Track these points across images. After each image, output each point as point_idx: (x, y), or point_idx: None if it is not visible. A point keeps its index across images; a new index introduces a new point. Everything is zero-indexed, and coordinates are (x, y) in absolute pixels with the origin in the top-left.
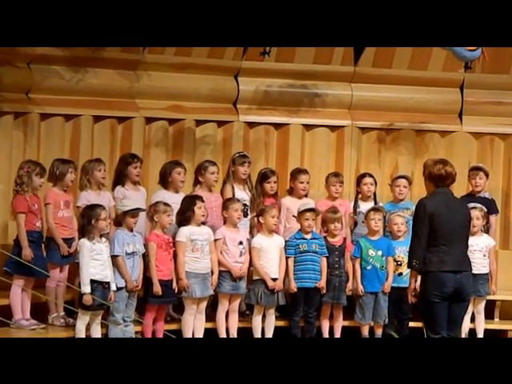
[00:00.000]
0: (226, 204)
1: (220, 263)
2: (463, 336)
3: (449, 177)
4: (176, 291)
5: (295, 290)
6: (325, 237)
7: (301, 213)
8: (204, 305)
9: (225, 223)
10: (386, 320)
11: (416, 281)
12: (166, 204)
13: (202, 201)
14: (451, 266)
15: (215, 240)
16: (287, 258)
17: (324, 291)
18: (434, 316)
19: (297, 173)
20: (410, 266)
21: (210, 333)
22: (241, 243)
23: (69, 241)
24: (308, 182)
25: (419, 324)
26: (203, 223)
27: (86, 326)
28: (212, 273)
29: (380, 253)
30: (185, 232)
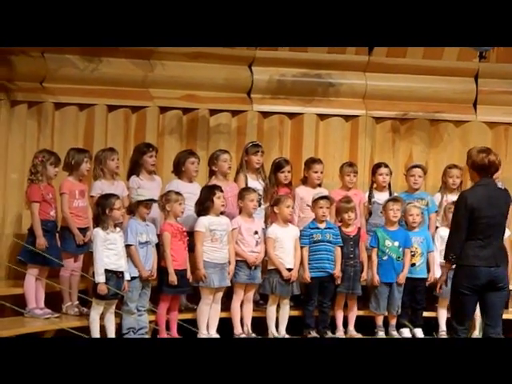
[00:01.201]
0: (242, 194)
1: (236, 253)
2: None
3: (492, 166)
4: (191, 280)
5: (309, 279)
6: (339, 227)
7: (315, 201)
8: (220, 295)
9: (240, 213)
10: (399, 311)
11: (447, 273)
12: (177, 193)
13: (221, 191)
14: (485, 261)
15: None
16: (301, 248)
17: (339, 281)
18: (462, 307)
19: (311, 162)
20: (446, 259)
21: (225, 322)
22: (256, 233)
23: (84, 230)
24: (322, 172)
25: (433, 314)
26: (221, 213)
27: (100, 316)
28: (229, 263)
29: (397, 243)
30: (204, 222)
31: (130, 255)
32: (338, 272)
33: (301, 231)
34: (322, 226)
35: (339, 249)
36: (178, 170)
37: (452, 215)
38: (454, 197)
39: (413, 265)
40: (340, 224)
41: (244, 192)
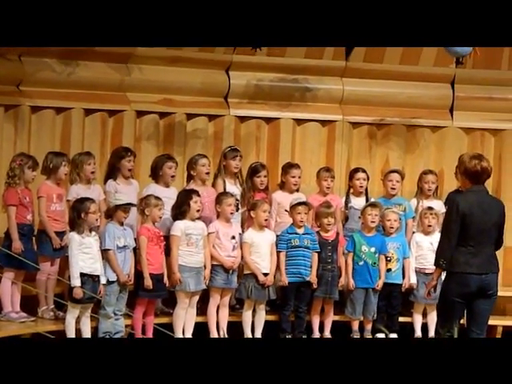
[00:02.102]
0: (220, 198)
1: (212, 257)
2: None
3: (484, 173)
4: (168, 285)
5: (287, 283)
6: (318, 232)
7: (293, 207)
8: (196, 299)
9: (218, 217)
10: (375, 315)
11: (438, 278)
12: (157, 198)
13: (198, 195)
14: (477, 268)
15: (208, 234)
16: (279, 253)
17: (315, 286)
18: (450, 314)
19: (288, 167)
20: (437, 265)
21: (201, 327)
22: (233, 238)
23: (61, 234)
24: (299, 177)
25: (408, 319)
26: (198, 218)
27: (76, 319)
28: (205, 267)
29: (373, 249)
30: (180, 226)
31: (107, 260)
32: (313, 278)
33: (279, 236)
34: (300, 231)
35: (316, 254)
36: (156, 174)
37: (443, 220)
38: (429, 202)
39: (389, 270)
40: (318, 229)
41: (222, 196)
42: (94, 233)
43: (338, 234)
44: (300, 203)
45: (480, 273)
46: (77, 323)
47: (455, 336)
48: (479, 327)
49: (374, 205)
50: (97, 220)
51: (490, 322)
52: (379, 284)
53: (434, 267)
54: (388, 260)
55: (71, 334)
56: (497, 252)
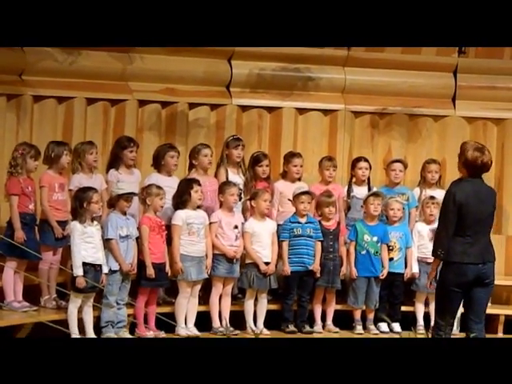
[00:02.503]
0: (223, 188)
1: (215, 246)
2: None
3: (484, 167)
4: (170, 274)
5: (289, 273)
6: (319, 221)
7: (296, 196)
8: (198, 288)
9: (220, 207)
10: (377, 305)
11: (437, 269)
12: (158, 187)
13: (199, 184)
14: (474, 258)
15: (210, 223)
16: (282, 242)
17: (318, 275)
18: (447, 304)
19: (290, 156)
20: (434, 255)
21: (203, 316)
22: (236, 227)
23: (63, 223)
24: (301, 166)
25: (411, 308)
26: (199, 207)
27: (78, 309)
28: (207, 256)
29: (375, 239)
30: (181, 215)
31: (110, 249)
32: (316, 266)
33: (281, 225)
34: (303, 220)
35: (319, 243)
36: (158, 163)
37: (440, 211)
38: (432, 191)
39: (391, 259)
40: (320, 218)
41: (225, 186)
42: (95, 222)
43: (339, 223)
44: (303, 192)
45: (477, 262)
46: (79, 313)
47: (455, 325)
48: (477, 315)
49: (376, 194)
50: (99, 209)
51: (493, 312)
52: (384, 273)
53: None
54: (390, 249)
55: (74, 323)
56: (499, 241)
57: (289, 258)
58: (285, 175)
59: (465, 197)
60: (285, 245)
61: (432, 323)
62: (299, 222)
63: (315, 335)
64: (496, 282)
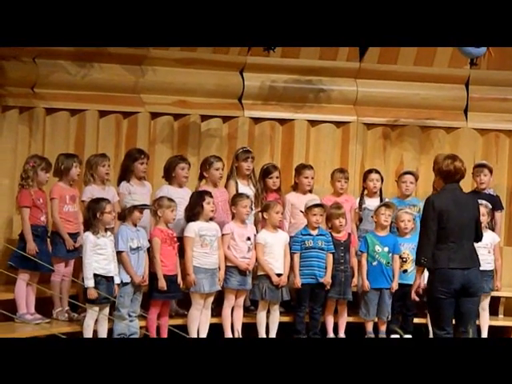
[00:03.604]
0: (235, 200)
1: (227, 258)
2: (482, 333)
3: (458, 172)
4: (182, 286)
5: (299, 285)
6: (330, 232)
7: (309, 208)
8: (211, 300)
9: (233, 218)
10: (390, 317)
11: (421, 277)
12: (170, 199)
13: (211, 196)
14: (459, 263)
15: (223, 235)
16: (293, 254)
17: (328, 287)
18: (440, 312)
19: (301, 168)
20: (418, 263)
21: (215, 328)
22: (248, 239)
23: (74, 235)
24: (313, 178)
25: (423, 320)
26: (211, 219)
27: None
28: (219, 268)
29: (386, 249)
30: (193, 227)
31: (121, 261)
32: (328, 279)
33: (292, 237)
34: (314, 232)
35: (331, 255)
36: (169, 175)
37: (420, 220)
38: None
39: (404, 271)
40: (330, 230)
41: (237, 198)
42: (109, 233)
43: (349, 234)
44: (316, 205)
45: (462, 267)
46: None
47: (470, 335)
48: (465, 326)
49: (387, 205)
50: (112, 220)
51: (504, 324)
52: (393, 287)
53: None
54: (403, 261)
55: (89, 336)
56: (510, 253)
57: (300, 270)
58: (296, 187)
59: (444, 204)
60: (296, 257)
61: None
62: (310, 235)
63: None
64: (508, 295)
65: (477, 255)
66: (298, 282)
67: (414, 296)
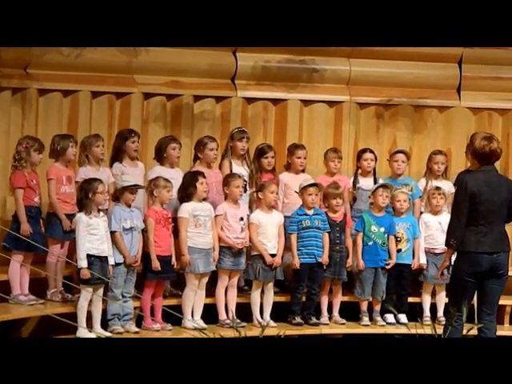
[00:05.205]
0: (228, 180)
1: (220, 239)
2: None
3: (493, 155)
4: (177, 266)
5: (298, 266)
6: (326, 212)
7: (304, 188)
8: (205, 280)
9: (225, 199)
10: (384, 296)
11: (450, 258)
12: (166, 179)
13: (204, 177)
14: (488, 247)
15: (216, 216)
16: (290, 235)
17: (325, 267)
18: (462, 294)
19: (294, 148)
20: (447, 244)
21: (209, 309)
22: (241, 219)
23: (71, 216)
24: (305, 158)
25: (417, 299)
26: (204, 199)
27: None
28: (213, 249)
29: (382, 229)
30: (187, 208)
31: (114, 241)
32: (325, 258)
33: (289, 217)
34: (310, 212)
35: (327, 235)
36: (160, 155)
37: (452, 201)
38: (438, 183)
39: (399, 250)
40: (326, 210)
41: (229, 178)
42: (102, 213)
43: (345, 214)
44: (311, 184)
45: (491, 252)
46: (88, 305)
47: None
48: (490, 307)
49: (385, 186)
50: (105, 200)
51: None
52: (390, 263)
53: (446, 247)
54: (398, 240)
55: (82, 316)
56: (508, 232)
57: (299, 250)
58: (289, 167)
59: (477, 186)
60: (293, 237)
61: (438, 314)
62: (307, 214)
63: (322, 328)
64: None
65: (507, 238)
66: (297, 262)
67: (440, 276)
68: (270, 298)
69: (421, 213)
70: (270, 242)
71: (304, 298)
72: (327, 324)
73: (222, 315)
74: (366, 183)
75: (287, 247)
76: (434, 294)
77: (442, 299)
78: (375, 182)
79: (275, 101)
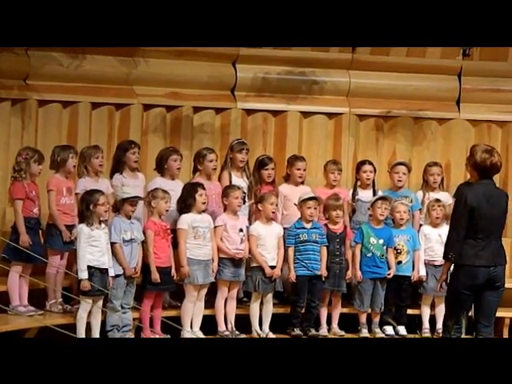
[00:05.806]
0: (227, 191)
1: (220, 250)
2: None
3: (494, 168)
4: (176, 278)
5: (294, 279)
6: (326, 224)
7: (303, 201)
8: (204, 292)
9: (225, 210)
10: (382, 308)
11: (448, 271)
12: (164, 191)
13: (203, 188)
14: (485, 260)
15: (215, 227)
16: (287, 248)
17: (324, 279)
18: (459, 306)
19: (293, 159)
20: (445, 257)
21: (209, 320)
22: (241, 230)
23: (70, 228)
24: (305, 169)
25: (417, 311)
26: (203, 211)
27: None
28: (213, 260)
29: (381, 241)
30: (186, 219)
31: (114, 253)
32: (323, 271)
33: (286, 229)
34: (308, 225)
35: (325, 248)
36: (161, 167)
37: (451, 213)
38: (435, 194)
39: (399, 262)
40: (327, 221)
41: (229, 190)
42: (103, 225)
43: (345, 226)
44: (310, 198)
45: (488, 265)
46: (87, 317)
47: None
48: (487, 319)
49: (384, 198)
50: (106, 212)
51: (497, 314)
52: (390, 273)
53: (444, 260)
54: (398, 252)
55: (82, 327)
56: (504, 244)
57: (297, 263)
58: (288, 178)
59: (476, 200)
60: (290, 250)
61: (437, 326)
62: (304, 228)
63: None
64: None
65: (504, 252)
66: (293, 275)
67: (439, 288)
68: (269, 309)
69: (420, 225)
70: (270, 254)
71: (303, 311)
72: (326, 336)
73: (222, 326)
74: (365, 195)
75: (285, 260)
76: (433, 306)
77: (442, 311)
78: (374, 194)
79: (275, 112)
